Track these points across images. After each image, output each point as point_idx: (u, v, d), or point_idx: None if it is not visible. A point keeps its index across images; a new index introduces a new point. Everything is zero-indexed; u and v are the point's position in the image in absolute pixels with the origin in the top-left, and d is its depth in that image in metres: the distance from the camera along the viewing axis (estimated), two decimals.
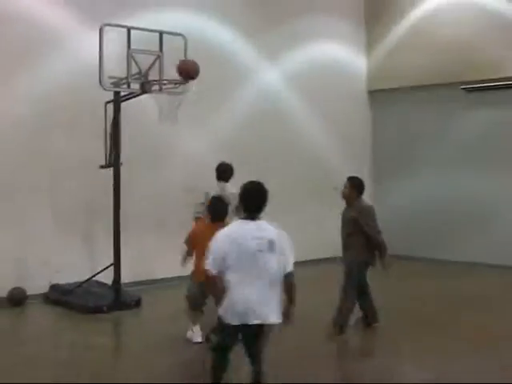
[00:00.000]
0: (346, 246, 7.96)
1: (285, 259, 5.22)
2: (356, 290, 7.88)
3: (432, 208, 13.56)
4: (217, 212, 7.36)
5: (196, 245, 7.22)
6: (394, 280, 10.72)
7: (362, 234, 7.75)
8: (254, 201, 5.34)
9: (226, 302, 5.19)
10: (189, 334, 7.62)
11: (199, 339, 7.51)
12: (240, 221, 5.33)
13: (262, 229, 5.23)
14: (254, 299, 5.09)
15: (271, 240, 5.16)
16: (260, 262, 5.11)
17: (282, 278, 5.21)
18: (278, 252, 5.17)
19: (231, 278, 5.13)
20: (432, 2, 13.62)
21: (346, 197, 7.94)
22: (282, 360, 6.65)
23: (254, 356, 5.38)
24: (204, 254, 5.40)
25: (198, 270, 6.87)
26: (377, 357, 7.38)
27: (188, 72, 8.85)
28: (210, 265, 5.19)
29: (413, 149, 14.00)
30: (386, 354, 7.28)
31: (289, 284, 5.27)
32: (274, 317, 5.19)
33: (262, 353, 5.41)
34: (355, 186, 7.94)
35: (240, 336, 5.32)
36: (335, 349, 7.43)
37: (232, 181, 9.02)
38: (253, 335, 5.30)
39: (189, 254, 7.49)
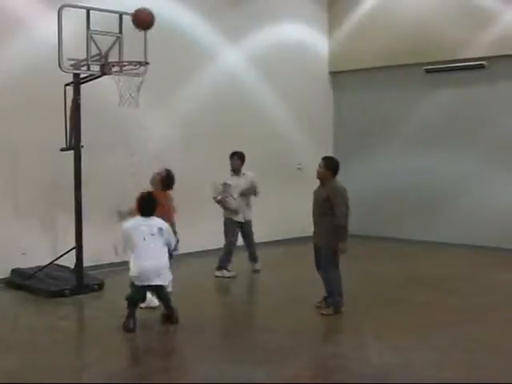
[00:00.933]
0: (317, 226, 8.02)
1: (170, 241, 7.72)
2: (335, 266, 7.94)
3: (394, 188, 13.74)
4: (168, 183, 8.95)
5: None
6: (357, 260, 10.87)
7: (334, 214, 7.80)
8: (146, 206, 7.64)
9: (131, 269, 7.46)
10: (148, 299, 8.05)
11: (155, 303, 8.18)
12: (139, 217, 7.60)
13: (154, 222, 7.58)
14: (148, 268, 7.36)
15: (160, 228, 7.55)
16: (151, 242, 7.43)
17: (169, 252, 7.74)
18: (165, 236, 7.59)
19: (133, 253, 7.45)
20: None
21: (320, 176, 7.97)
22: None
23: (163, 301, 7.66)
24: (160, 214, 7.89)
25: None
26: (342, 339, 7.50)
27: (142, 20, 8.67)
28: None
29: (375, 129, 14.14)
30: (352, 336, 7.38)
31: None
32: (162, 280, 7.48)
33: (169, 299, 7.63)
34: (330, 166, 7.95)
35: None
36: (300, 329, 7.50)
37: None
38: (155, 290, 7.64)
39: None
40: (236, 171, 10.31)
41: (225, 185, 10.18)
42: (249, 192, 10.30)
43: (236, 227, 10.32)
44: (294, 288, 9.47)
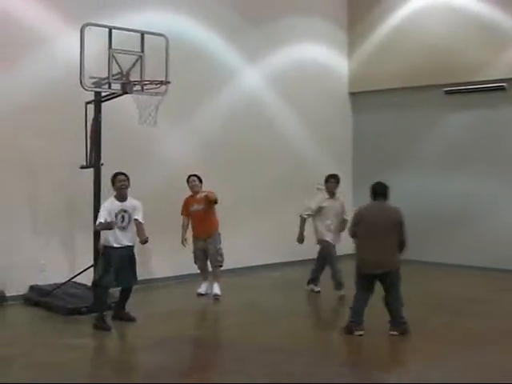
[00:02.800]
0: None
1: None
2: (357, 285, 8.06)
3: (413, 209, 13.54)
4: None
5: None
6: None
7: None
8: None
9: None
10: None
11: (201, 291, 10.08)
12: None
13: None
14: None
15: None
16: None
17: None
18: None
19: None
20: (413, 4, 13.74)
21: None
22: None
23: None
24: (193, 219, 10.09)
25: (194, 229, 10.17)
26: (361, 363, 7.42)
27: None
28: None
29: (394, 150, 14.06)
30: (370, 358, 7.30)
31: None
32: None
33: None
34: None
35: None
36: (317, 351, 7.43)
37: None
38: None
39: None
40: (331, 194, 10.49)
41: (319, 208, 10.37)
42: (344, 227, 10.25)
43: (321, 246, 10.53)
44: (319, 309, 9.37)
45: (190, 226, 10.18)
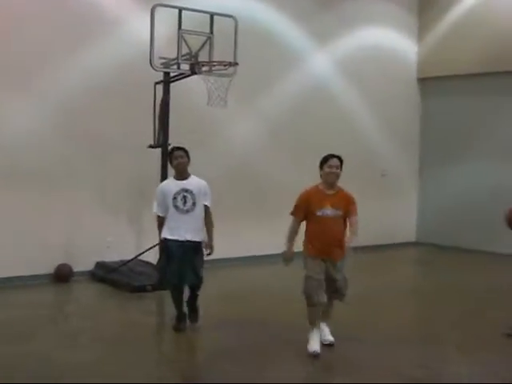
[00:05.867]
0: None
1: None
2: None
3: (480, 199, 13.30)
4: None
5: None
6: (438, 271, 10.60)
7: None
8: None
9: None
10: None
11: (316, 348, 6.40)
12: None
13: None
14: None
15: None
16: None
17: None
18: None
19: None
20: None
21: None
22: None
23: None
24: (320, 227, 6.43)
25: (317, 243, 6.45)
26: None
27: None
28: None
29: (463, 138, 13.72)
30: (436, 347, 7.18)
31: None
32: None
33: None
34: None
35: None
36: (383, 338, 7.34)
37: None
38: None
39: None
40: None
41: None
42: None
43: None
44: (382, 297, 9.25)
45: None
